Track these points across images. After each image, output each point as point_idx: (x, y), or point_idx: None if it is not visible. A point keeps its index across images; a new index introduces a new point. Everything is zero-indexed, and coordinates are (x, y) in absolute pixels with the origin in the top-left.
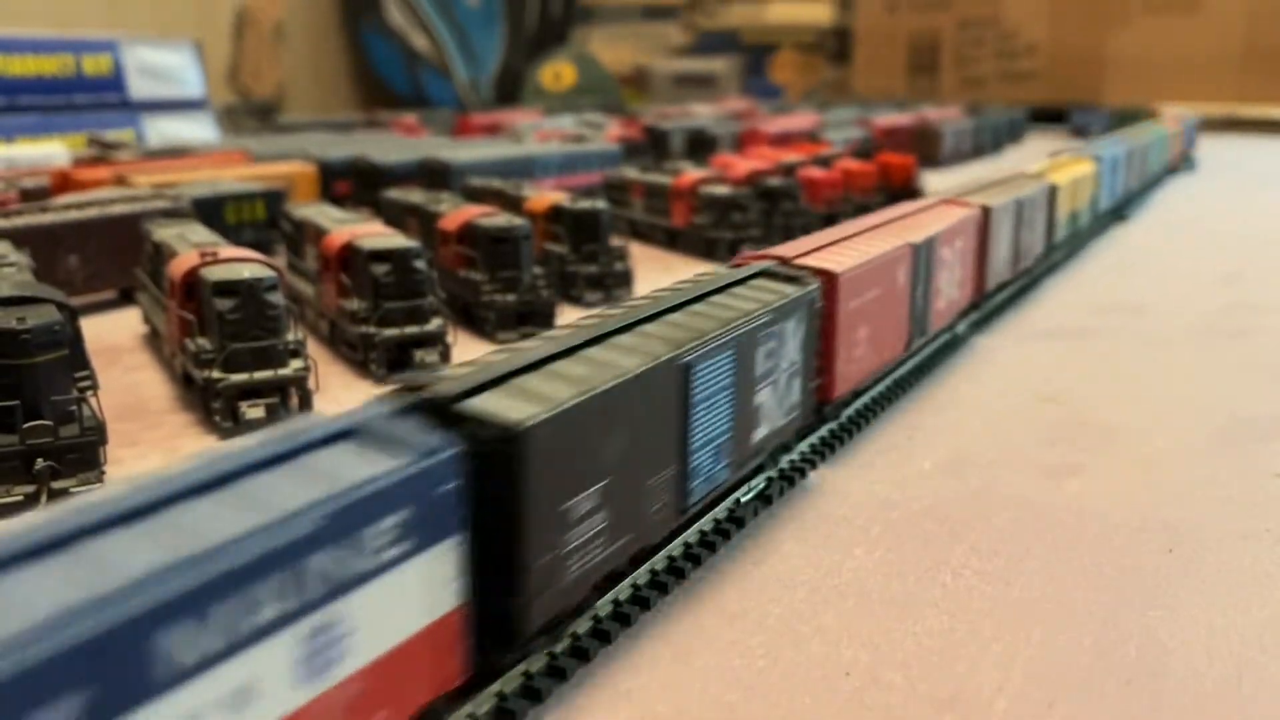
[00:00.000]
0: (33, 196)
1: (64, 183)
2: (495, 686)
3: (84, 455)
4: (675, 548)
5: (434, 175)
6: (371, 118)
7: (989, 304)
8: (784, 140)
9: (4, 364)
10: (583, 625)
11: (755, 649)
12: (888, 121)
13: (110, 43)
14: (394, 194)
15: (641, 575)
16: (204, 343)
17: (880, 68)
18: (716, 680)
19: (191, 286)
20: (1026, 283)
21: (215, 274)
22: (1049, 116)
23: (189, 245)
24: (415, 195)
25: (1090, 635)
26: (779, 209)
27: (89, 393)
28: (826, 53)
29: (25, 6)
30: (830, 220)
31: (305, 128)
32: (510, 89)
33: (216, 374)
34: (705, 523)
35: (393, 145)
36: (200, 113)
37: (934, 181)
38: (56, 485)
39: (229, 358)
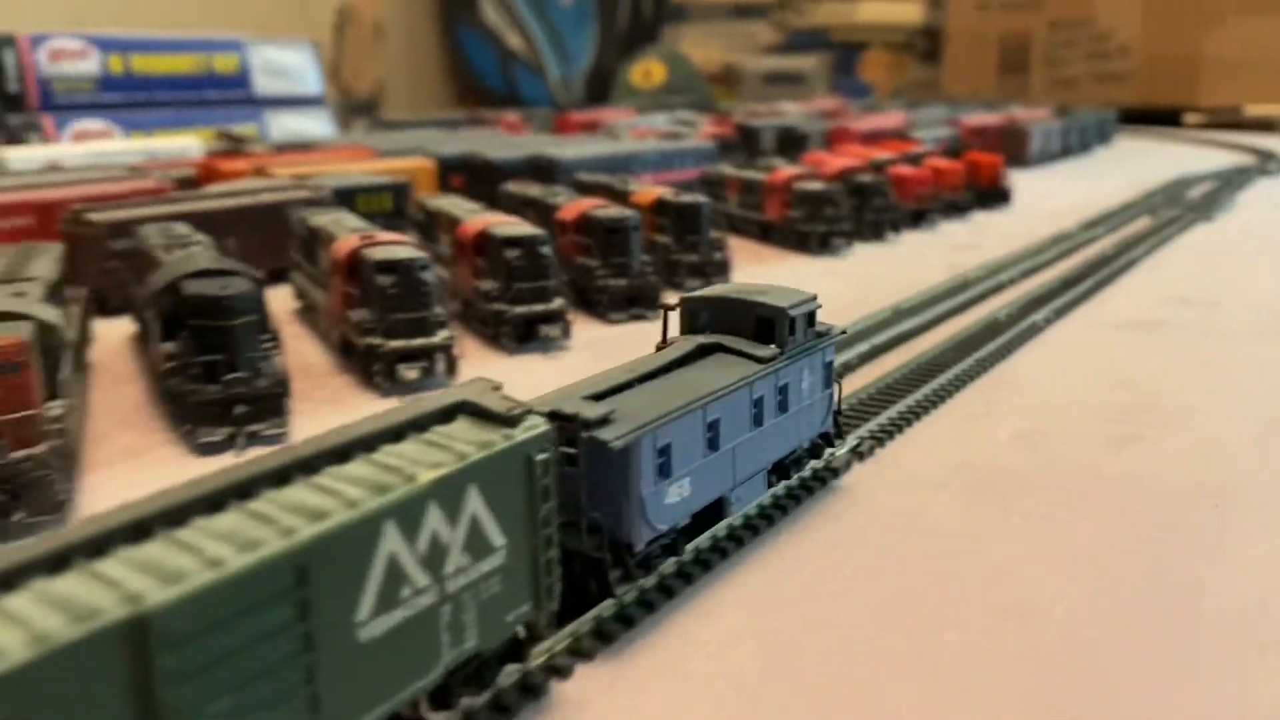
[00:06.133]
0: (185, 185)
1: (209, 173)
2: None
3: (272, 404)
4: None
5: (541, 170)
6: (475, 116)
7: (1068, 292)
8: (873, 138)
9: (210, 325)
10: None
11: (855, 570)
12: (976, 121)
13: (238, 43)
14: (512, 187)
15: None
16: (365, 314)
17: (970, 67)
18: (826, 587)
19: (355, 265)
20: (1104, 276)
21: (377, 254)
22: (1142, 118)
23: (346, 230)
24: (533, 189)
25: (1138, 572)
26: (869, 204)
27: (274, 353)
28: (916, 52)
29: (131, 8)
30: (919, 216)
31: (414, 125)
32: (600, 87)
33: (377, 340)
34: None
35: (500, 142)
36: (317, 109)
37: (1021, 181)
38: (250, 428)
39: (388, 327)
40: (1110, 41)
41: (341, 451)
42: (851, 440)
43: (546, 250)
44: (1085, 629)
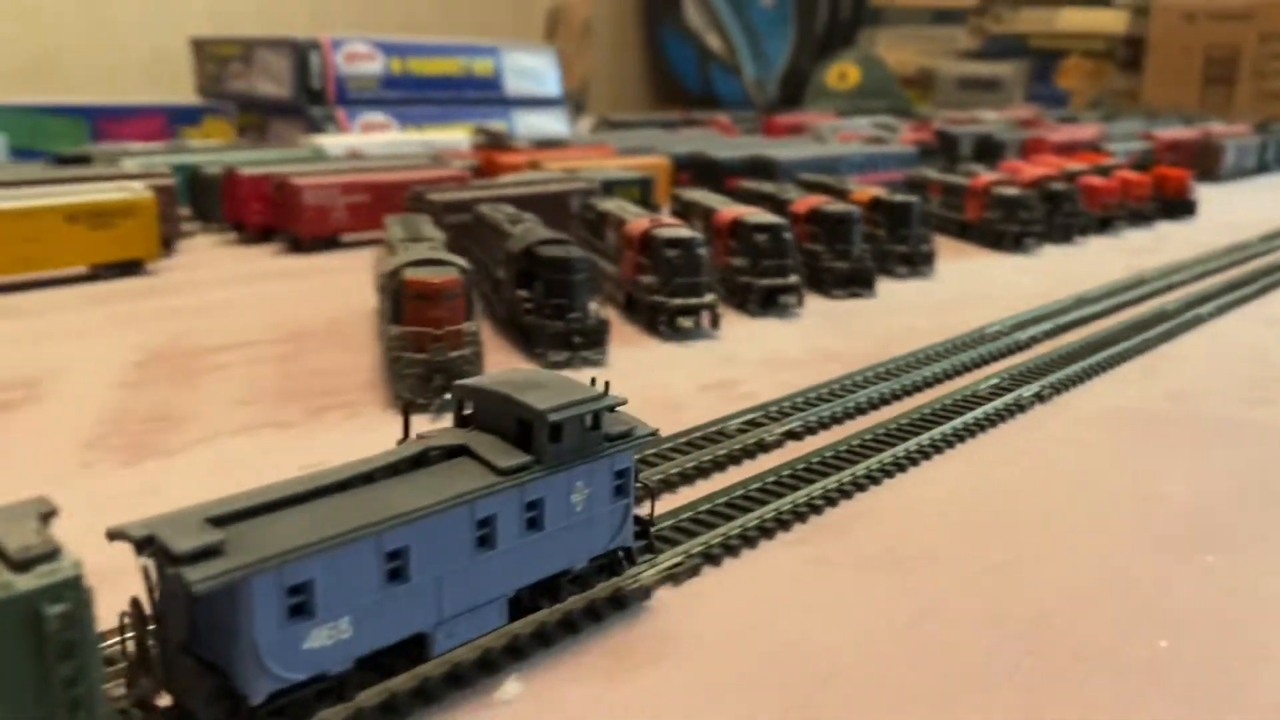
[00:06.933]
0: (477, 175)
1: (490, 164)
2: None
3: (598, 338)
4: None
5: (761, 169)
6: (689, 117)
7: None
8: (1067, 149)
9: (559, 278)
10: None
11: (1009, 471)
12: (1171, 135)
13: (494, 49)
14: (746, 184)
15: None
16: (652, 279)
17: (1172, 78)
18: (981, 484)
19: (647, 241)
20: (1270, 282)
21: (666, 233)
22: None
23: (631, 214)
24: (767, 186)
25: (1244, 482)
26: (1060, 210)
27: (598, 301)
28: (1116, 60)
29: (373, 10)
30: (1106, 223)
31: (638, 125)
32: (794, 88)
33: (662, 298)
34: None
35: (718, 143)
36: (556, 109)
37: (1210, 195)
38: (583, 354)
39: (671, 288)
40: None
41: None
42: (1035, 387)
43: (787, 236)
44: (1195, 510)
